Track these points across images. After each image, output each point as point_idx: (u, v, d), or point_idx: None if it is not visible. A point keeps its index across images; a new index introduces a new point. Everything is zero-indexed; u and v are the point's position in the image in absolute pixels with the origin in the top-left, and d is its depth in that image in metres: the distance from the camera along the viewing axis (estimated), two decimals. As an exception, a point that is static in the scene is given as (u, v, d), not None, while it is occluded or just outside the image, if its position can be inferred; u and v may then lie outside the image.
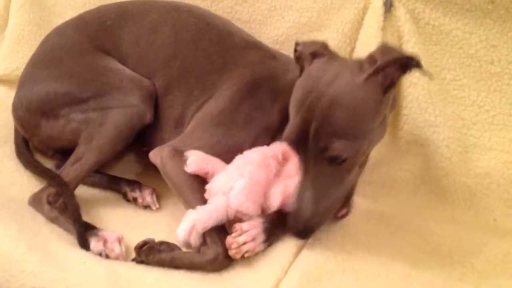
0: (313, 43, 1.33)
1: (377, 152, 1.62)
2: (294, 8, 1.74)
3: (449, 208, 1.56)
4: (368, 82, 1.18)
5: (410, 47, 1.59)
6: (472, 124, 1.60)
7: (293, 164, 1.35)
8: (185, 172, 1.36)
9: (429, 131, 1.59)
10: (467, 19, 1.57)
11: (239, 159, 1.36)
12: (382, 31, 1.61)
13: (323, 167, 1.20)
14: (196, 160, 1.36)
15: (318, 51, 1.28)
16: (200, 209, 1.30)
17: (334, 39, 1.69)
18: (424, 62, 1.54)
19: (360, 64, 1.21)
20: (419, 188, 1.61)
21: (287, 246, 1.32)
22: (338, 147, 1.17)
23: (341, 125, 1.17)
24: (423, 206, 1.57)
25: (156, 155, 1.44)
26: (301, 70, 1.31)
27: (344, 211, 1.40)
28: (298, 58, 1.33)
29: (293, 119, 1.21)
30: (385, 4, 1.61)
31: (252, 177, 1.32)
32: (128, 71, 1.59)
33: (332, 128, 1.16)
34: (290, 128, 1.22)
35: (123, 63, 1.62)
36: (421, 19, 1.60)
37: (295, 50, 1.33)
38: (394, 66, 1.19)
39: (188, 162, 1.35)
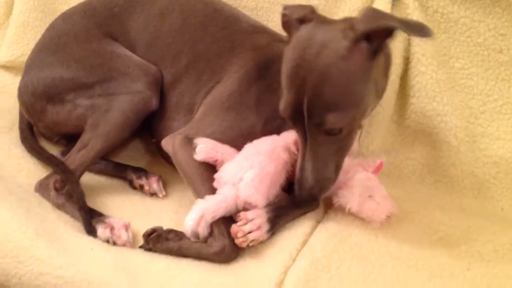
0: (301, 7, 1.32)
1: (384, 141, 1.65)
2: (301, -5, 1.71)
3: (456, 198, 1.55)
4: (353, 51, 1.17)
5: (418, 35, 1.58)
6: (480, 113, 1.58)
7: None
8: (195, 161, 1.36)
9: (437, 120, 1.58)
10: (476, 7, 1.56)
11: (249, 148, 1.35)
12: (390, 19, 1.59)
13: (321, 138, 1.23)
14: (205, 148, 1.35)
15: (306, 16, 1.27)
16: (209, 198, 1.30)
17: (342, 27, 1.67)
18: (432, 51, 1.57)
19: (344, 30, 1.19)
20: (426, 177, 1.61)
21: (294, 234, 1.33)
22: (332, 119, 1.18)
23: (332, 98, 1.18)
24: (430, 195, 1.56)
25: (168, 143, 1.44)
26: (289, 36, 1.30)
27: (378, 163, 1.43)
28: (286, 23, 1.32)
29: (287, 94, 1.23)
30: (393, -9, 1.59)
31: (262, 169, 1.31)
32: (135, 57, 1.59)
33: (324, 102, 1.18)
34: (284, 104, 1.24)
35: (131, 50, 1.61)
36: (429, 7, 1.58)
37: (283, 15, 1.32)
38: (378, 32, 1.18)
39: (197, 150, 1.35)
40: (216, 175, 1.34)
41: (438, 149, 1.59)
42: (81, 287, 1.21)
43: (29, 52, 1.73)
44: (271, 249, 1.29)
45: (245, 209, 1.31)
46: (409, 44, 1.61)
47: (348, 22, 1.22)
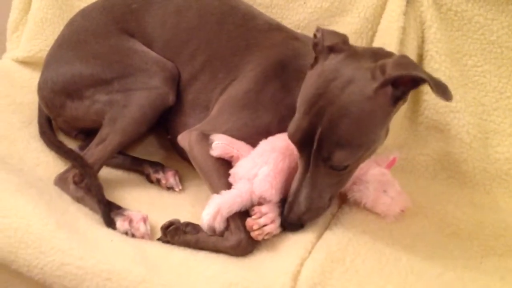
0: (334, 34, 1.30)
1: (397, 137, 1.66)
2: (316, -7, 1.73)
3: (468, 193, 1.57)
4: (378, 93, 1.16)
5: (432, 33, 1.60)
6: (492, 110, 1.60)
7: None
8: (211, 157, 1.38)
9: (450, 117, 1.60)
10: (489, 5, 1.57)
11: (264, 145, 1.37)
12: (404, 16, 1.61)
13: (323, 170, 1.23)
14: (221, 144, 1.37)
15: (337, 46, 1.25)
16: (225, 193, 1.32)
17: (355, 24, 1.69)
18: (445, 48, 1.59)
19: (374, 70, 1.18)
20: (438, 173, 1.63)
21: (309, 229, 1.34)
22: (340, 157, 1.19)
23: (347, 135, 1.17)
24: (443, 191, 1.58)
25: (184, 139, 1.46)
26: (316, 58, 1.29)
27: (391, 159, 1.45)
28: (315, 45, 1.29)
29: (300, 119, 1.22)
30: (408, -11, 1.61)
31: (276, 165, 1.33)
32: (152, 53, 1.61)
33: (337, 137, 1.17)
34: (295, 127, 1.23)
35: (148, 46, 1.63)
36: (443, 4, 1.60)
37: (314, 36, 1.30)
38: (405, 80, 1.17)
39: (213, 146, 1.37)
40: (231, 171, 1.36)
41: (451, 145, 1.61)
42: (102, 277, 1.22)
43: (47, 48, 1.75)
44: (286, 243, 1.31)
45: (260, 204, 1.33)
46: (422, 42, 1.63)
47: (379, 61, 1.20)
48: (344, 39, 1.29)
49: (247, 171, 1.34)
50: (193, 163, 1.44)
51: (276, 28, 1.61)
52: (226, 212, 1.29)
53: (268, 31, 1.59)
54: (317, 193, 1.27)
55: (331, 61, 1.23)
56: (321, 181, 1.25)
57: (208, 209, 1.30)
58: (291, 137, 1.24)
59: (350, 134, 1.17)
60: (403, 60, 1.19)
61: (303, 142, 1.22)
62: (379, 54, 1.24)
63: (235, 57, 1.55)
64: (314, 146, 1.20)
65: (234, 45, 1.57)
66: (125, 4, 1.68)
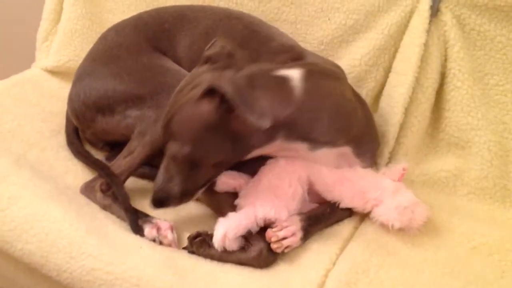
0: (221, 46, 1.40)
1: (418, 152, 1.69)
2: (340, 10, 1.76)
3: (488, 209, 1.59)
4: (202, 101, 1.26)
5: (455, 52, 1.63)
6: (513, 129, 1.63)
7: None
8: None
9: (471, 134, 1.62)
10: (512, 26, 1.61)
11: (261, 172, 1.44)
12: (426, 33, 1.63)
13: (170, 157, 1.33)
14: (222, 180, 1.43)
15: (213, 57, 1.37)
16: (231, 216, 1.35)
17: (379, 40, 1.72)
18: (468, 67, 1.62)
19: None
20: (458, 188, 1.64)
21: (333, 240, 1.39)
22: (171, 146, 1.31)
23: (176, 129, 1.30)
24: (463, 206, 1.60)
25: None
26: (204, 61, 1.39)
27: (402, 170, 1.49)
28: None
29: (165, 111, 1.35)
30: (431, 8, 1.63)
31: (270, 184, 1.38)
32: (183, 71, 1.64)
33: (170, 130, 1.31)
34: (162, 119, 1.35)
35: (178, 64, 1.67)
36: (466, 24, 1.62)
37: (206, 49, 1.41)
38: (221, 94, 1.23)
39: (217, 183, 1.43)
40: (236, 202, 1.42)
41: (472, 162, 1.63)
42: (131, 283, 1.25)
43: (76, 58, 1.81)
44: (310, 254, 1.35)
45: (267, 225, 1.35)
46: (445, 60, 1.65)
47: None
48: (229, 52, 1.39)
49: (249, 201, 1.38)
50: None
51: (285, 50, 1.64)
52: (232, 234, 1.32)
53: (276, 54, 1.61)
54: (168, 177, 1.34)
55: (200, 69, 1.38)
56: (171, 167, 1.34)
57: (215, 235, 1.33)
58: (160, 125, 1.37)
59: (177, 128, 1.30)
60: (225, 76, 1.30)
61: (162, 133, 1.34)
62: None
63: None
64: (162, 136, 1.34)
65: None
66: (157, 23, 1.72)
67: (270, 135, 1.31)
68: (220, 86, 1.22)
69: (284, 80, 1.33)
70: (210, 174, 1.36)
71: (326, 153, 1.41)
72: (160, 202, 1.36)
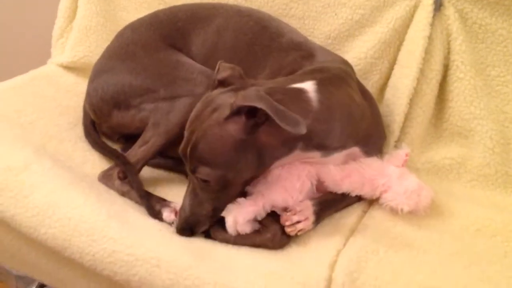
0: (231, 68, 1.42)
1: (422, 141, 1.75)
2: (347, 5, 1.82)
3: (490, 195, 1.64)
4: (229, 121, 1.28)
5: (458, 44, 1.69)
6: (514, 118, 1.68)
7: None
8: None
9: (473, 123, 1.67)
10: (512, 19, 1.66)
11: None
12: (430, 27, 1.69)
13: (198, 183, 1.35)
14: None
15: (228, 79, 1.39)
16: (239, 202, 1.39)
17: (384, 34, 1.77)
18: (470, 59, 1.67)
19: (233, 102, 1.28)
20: (462, 175, 1.70)
21: (343, 223, 1.44)
22: (202, 171, 1.32)
23: (204, 154, 1.31)
24: (466, 192, 1.65)
25: None
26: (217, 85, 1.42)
27: (404, 155, 1.54)
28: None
29: (184, 138, 1.37)
30: (435, 2, 1.69)
31: (280, 176, 1.42)
32: (198, 65, 1.68)
33: (198, 155, 1.31)
34: (181, 145, 1.37)
35: None
36: (468, 18, 1.68)
37: (216, 71, 1.43)
38: (252, 111, 1.26)
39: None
40: (246, 188, 1.45)
41: (474, 150, 1.68)
42: (151, 264, 1.29)
43: (90, 54, 1.86)
44: (322, 236, 1.40)
45: (274, 212, 1.41)
46: (448, 52, 1.71)
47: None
48: (239, 73, 1.41)
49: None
50: None
51: (295, 47, 1.68)
52: (241, 219, 1.37)
53: (286, 51, 1.66)
54: (197, 202, 1.37)
55: (215, 92, 1.38)
56: (199, 192, 1.37)
57: (227, 221, 1.38)
58: (179, 151, 1.38)
59: (206, 153, 1.31)
60: (251, 93, 1.29)
61: (184, 158, 1.36)
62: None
63: (256, 78, 1.61)
64: (187, 162, 1.34)
65: (256, 66, 1.66)
66: (172, 21, 1.77)
67: (290, 146, 1.36)
68: (251, 104, 1.24)
69: (301, 92, 1.37)
70: (238, 191, 1.40)
71: (336, 157, 1.47)
72: (189, 229, 1.40)
